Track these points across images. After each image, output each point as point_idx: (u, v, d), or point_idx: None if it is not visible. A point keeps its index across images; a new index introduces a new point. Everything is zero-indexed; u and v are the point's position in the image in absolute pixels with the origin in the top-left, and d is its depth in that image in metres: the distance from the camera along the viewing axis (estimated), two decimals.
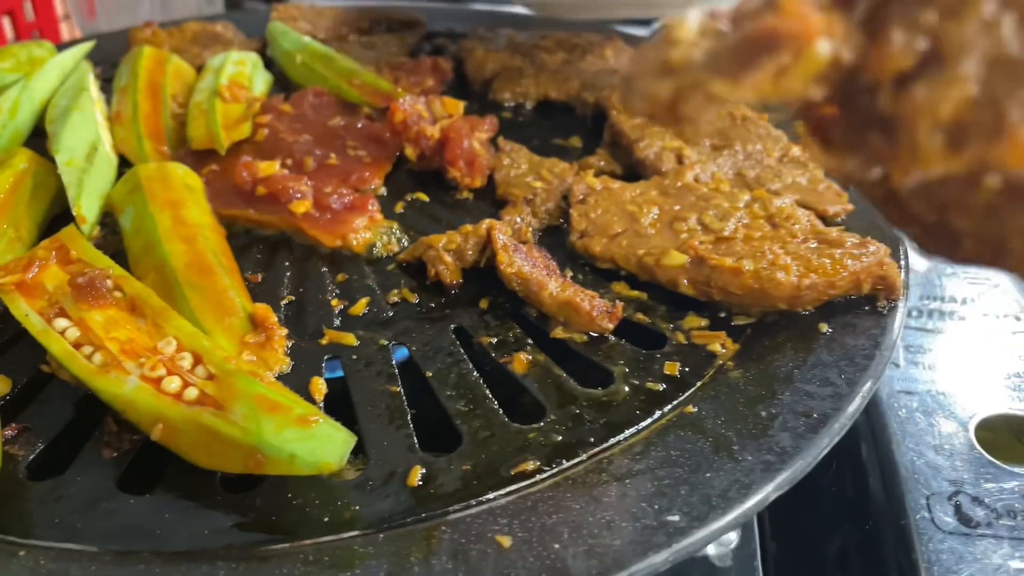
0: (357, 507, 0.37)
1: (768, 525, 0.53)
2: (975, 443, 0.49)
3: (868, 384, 0.42)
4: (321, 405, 0.42)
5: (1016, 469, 0.47)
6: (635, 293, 0.50)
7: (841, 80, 0.19)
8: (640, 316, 0.48)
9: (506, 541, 0.35)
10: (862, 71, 0.19)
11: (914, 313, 0.59)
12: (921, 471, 0.47)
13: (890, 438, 0.49)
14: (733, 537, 0.51)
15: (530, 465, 0.38)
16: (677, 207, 0.53)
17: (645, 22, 1.33)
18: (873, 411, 0.51)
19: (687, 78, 0.20)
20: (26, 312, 0.42)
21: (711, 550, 0.50)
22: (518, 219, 0.54)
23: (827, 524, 0.52)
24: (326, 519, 0.36)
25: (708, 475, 0.37)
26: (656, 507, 0.35)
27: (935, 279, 0.63)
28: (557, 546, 0.34)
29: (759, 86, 0.19)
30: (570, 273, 0.51)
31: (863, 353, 0.44)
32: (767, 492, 0.36)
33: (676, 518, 0.35)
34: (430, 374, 0.44)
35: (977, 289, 0.61)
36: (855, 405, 0.41)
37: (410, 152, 0.59)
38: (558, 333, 0.46)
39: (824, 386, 0.42)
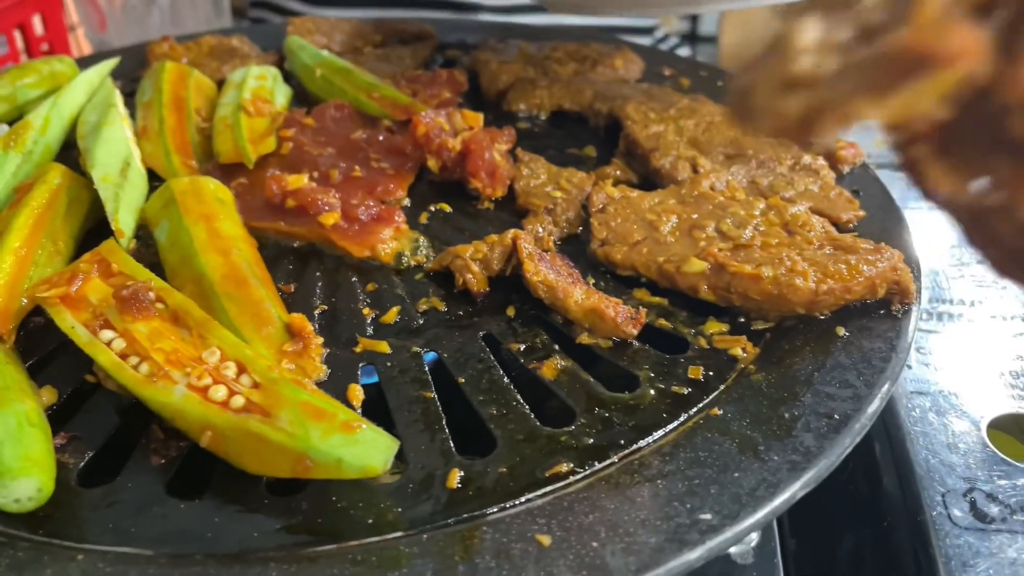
0: (399, 509, 0.38)
1: (787, 523, 0.55)
2: (987, 441, 0.51)
3: (886, 386, 0.44)
4: (359, 411, 0.43)
5: None
6: (656, 299, 0.51)
7: (968, 99, 0.18)
8: (662, 322, 0.49)
9: (546, 540, 0.36)
10: (993, 91, 0.18)
11: (924, 315, 0.60)
12: (936, 469, 0.49)
13: (904, 437, 0.51)
14: (754, 536, 0.52)
15: (564, 467, 0.40)
16: (695, 215, 0.55)
17: (647, 31, 1.34)
18: (887, 411, 0.53)
19: (819, 95, 0.19)
20: (72, 324, 0.44)
21: (732, 548, 0.52)
22: (540, 228, 0.56)
23: (844, 522, 0.54)
24: (370, 521, 0.38)
25: (736, 475, 0.38)
26: (688, 506, 0.37)
27: (943, 282, 0.65)
28: (595, 544, 0.36)
29: (902, 107, 0.18)
30: (592, 280, 0.53)
31: (880, 356, 0.46)
32: (794, 490, 0.38)
33: (708, 516, 0.36)
34: (462, 380, 0.46)
35: (984, 292, 0.63)
36: (874, 406, 0.43)
37: (432, 164, 0.61)
38: (584, 339, 0.48)
39: (844, 388, 0.44)
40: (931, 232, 0.69)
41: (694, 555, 0.35)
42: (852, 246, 0.50)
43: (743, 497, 0.37)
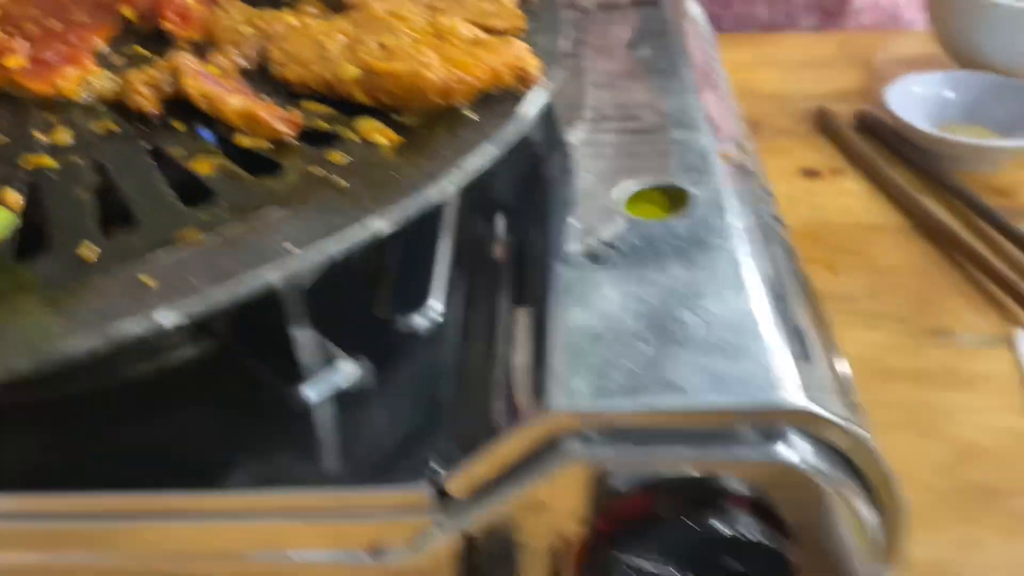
0: (30, 277, 0.43)
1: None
2: (621, 206, 0.57)
3: (489, 146, 0.50)
4: (18, 216, 0.48)
5: (647, 220, 0.56)
6: (322, 108, 0.56)
7: None
8: (320, 123, 0.55)
9: (152, 282, 0.41)
10: None
11: (595, 117, 0.67)
12: (569, 226, 0.55)
13: (547, 205, 0.58)
14: (440, 307, 0.58)
15: (193, 234, 0.45)
16: (362, 35, 0.59)
17: None
18: (538, 188, 0.59)
19: None
20: None
21: (420, 321, 0.57)
22: (224, 59, 0.60)
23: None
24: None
25: (333, 219, 0.44)
26: (281, 243, 0.43)
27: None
28: (191, 279, 0.41)
29: None
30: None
31: (494, 126, 0.52)
32: (377, 226, 0.44)
33: (289, 247, 0.42)
34: (121, 185, 0.50)
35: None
36: (475, 163, 0.49)
37: (128, 12, 0.64)
38: (242, 141, 0.53)
39: (458, 153, 0.50)
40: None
41: (272, 275, 0.41)
42: (486, 43, 0.56)
43: (325, 231, 0.43)
